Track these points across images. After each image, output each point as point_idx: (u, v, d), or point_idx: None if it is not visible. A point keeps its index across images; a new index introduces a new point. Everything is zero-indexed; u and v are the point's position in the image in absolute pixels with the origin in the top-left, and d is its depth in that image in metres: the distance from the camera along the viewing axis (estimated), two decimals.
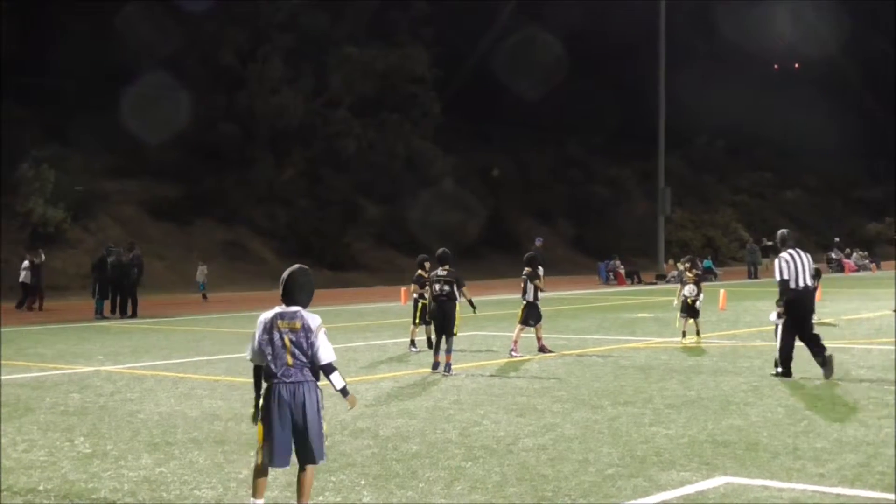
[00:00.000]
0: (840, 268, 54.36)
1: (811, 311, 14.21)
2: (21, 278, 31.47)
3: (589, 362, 16.05)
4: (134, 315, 28.09)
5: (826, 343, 14.11)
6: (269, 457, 7.09)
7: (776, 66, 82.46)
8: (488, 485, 8.17)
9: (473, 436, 10.08)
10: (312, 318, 7.14)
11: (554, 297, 34.17)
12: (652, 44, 51.00)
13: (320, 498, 7.89)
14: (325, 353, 7.07)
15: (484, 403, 12.02)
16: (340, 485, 8.25)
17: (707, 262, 49.95)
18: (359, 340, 19.94)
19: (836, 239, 61.07)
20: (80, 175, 41.67)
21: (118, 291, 28.64)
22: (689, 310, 18.80)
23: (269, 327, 7.08)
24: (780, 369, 13.89)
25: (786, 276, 13.72)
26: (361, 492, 8.02)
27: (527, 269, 17.36)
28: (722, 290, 29.23)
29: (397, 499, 7.82)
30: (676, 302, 19.21)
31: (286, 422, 7.02)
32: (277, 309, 7.16)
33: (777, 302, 13.89)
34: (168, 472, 8.82)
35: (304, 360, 7.05)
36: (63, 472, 8.91)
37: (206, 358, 17.48)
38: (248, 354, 7.29)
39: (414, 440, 9.91)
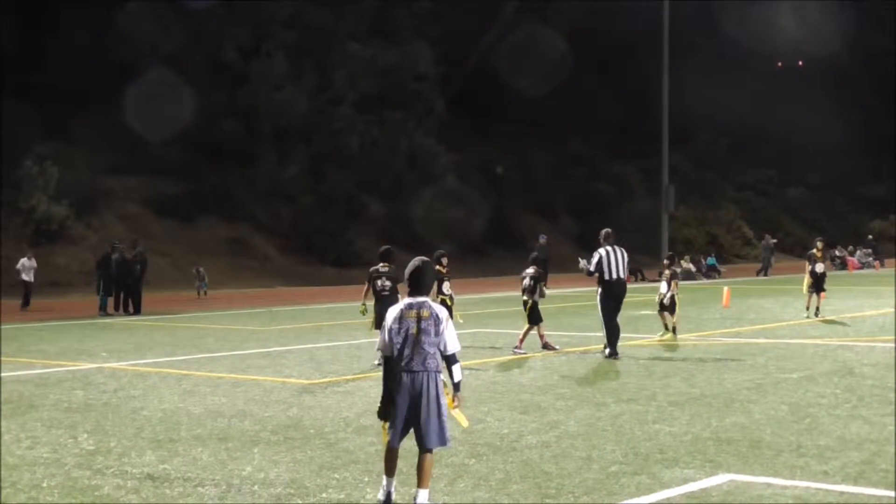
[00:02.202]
0: (843, 265, 54.31)
1: (622, 299, 16.55)
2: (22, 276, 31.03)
3: (592, 360, 16.05)
4: (137, 312, 28.12)
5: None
6: (393, 437, 7.39)
7: (779, 64, 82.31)
8: (492, 482, 8.17)
9: (477, 433, 10.08)
10: (441, 308, 7.46)
11: (557, 294, 34.13)
12: (655, 41, 50.91)
13: (323, 495, 7.90)
14: (453, 343, 7.39)
15: (487, 401, 12.02)
16: (344, 482, 8.25)
17: (711, 260, 49.98)
18: (362, 338, 19.91)
19: (870, 237, 61.34)
20: (83, 172, 41.68)
21: (122, 288, 28.66)
22: (663, 306, 19.20)
23: (400, 318, 7.36)
24: (608, 351, 16.03)
25: (592, 269, 16.32)
26: (364, 489, 8.02)
27: (535, 269, 17.49)
28: (726, 288, 29.23)
29: (400, 496, 7.80)
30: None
31: (405, 407, 7.30)
32: (406, 300, 7.43)
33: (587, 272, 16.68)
34: (171, 468, 8.82)
35: (428, 349, 7.29)
36: (66, 468, 8.91)
37: (209, 355, 17.48)
38: (378, 345, 7.54)
39: None
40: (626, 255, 16.46)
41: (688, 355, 16.33)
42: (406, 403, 7.29)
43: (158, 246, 42.00)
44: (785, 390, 12.49)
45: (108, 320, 26.22)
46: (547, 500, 7.63)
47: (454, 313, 18.18)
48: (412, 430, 7.38)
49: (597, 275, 16.35)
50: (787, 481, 8.05)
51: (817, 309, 23.33)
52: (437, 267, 17.94)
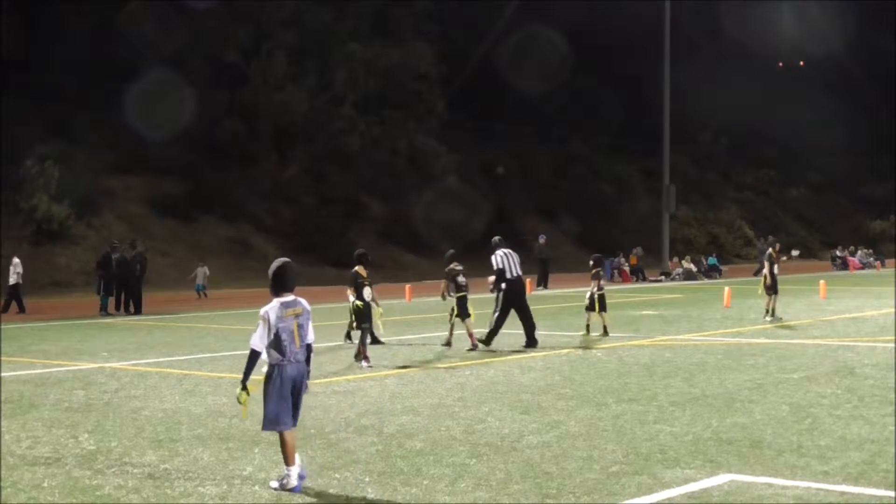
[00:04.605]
0: (844, 266, 54.32)
1: (524, 294, 18.20)
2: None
3: (593, 360, 16.05)
4: (138, 312, 28.11)
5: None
6: (280, 423, 8.08)
7: (780, 64, 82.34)
8: (492, 482, 8.17)
9: (478, 433, 10.08)
10: (306, 303, 8.26)
11: (558, 294, 34.21)
12: (657, 41, 50.93)
13: (324, 495, 7.90)
14: (312, 334, 8.31)
15: (488, 401, 12.02)
16: (345, 482, 8.25)
17: (712, 260, 49.99)
18: None
19: None
20: (84, 172, 41.68)
21: (123, 288, 28.64)
22: (591, 305, 19.86)
23: (281, 317, 8.06)
24: (485, 341, 17.34)
25: (500, 266, 17.72)
26: (366, 489, 8.02)
27: (453, 266, 18.05)
28: (726, 288, 29.25)
29: (401, 496, 7.82)
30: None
31: (290, 394, 8.12)
32: (279, 299, 8.14)
33: (493, 286, 17.98)
34: (172, 468, 8.83)
35: (306, 341, 8.20)
36: (67, 468, 8.91)
37: (209, 355, 17.48)
38: (255, 341, 8.15)
39: (418, 437, 9.91)
40: (518, 256, 18.18)
41: (689, 355, 16.33)
42: (290, 390, 8.09)
43: (159, 246, 42.00)
44: (786, 390, 12.50)
45: (108, 320, 26.21)
46: (548, 501, 7.63)
47: (375, 318, 16.88)
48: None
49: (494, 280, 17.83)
50: (788, 481, 8.05)
51: (773, 310, 23.00)
52: (358, 268, 16.12)
